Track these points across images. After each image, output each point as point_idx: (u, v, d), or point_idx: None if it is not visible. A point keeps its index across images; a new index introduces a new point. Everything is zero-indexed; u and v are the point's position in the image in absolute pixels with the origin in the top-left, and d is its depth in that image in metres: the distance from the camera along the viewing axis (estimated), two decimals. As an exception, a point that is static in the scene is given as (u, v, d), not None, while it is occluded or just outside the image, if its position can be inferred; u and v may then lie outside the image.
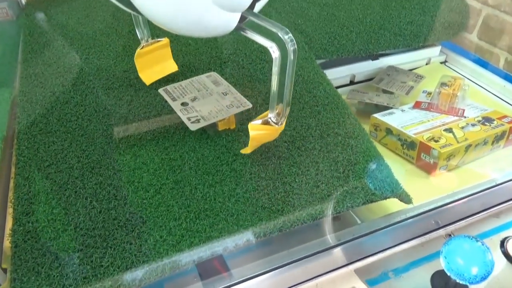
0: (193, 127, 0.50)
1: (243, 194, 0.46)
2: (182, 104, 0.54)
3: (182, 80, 0.61)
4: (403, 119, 0.74)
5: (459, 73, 0.97)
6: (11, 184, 0.48)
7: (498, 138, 0.70)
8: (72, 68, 0.67)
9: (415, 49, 0.95)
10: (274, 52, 0.42)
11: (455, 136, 0.67)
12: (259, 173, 0.49)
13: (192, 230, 0.43)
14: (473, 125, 0.70)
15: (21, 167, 0.50)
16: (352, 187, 0.47)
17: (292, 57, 0.41)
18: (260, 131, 0.46)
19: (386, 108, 0.79)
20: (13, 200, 0.45)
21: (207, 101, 0.55)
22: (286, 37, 0.40)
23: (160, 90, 0.57)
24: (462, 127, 0.70)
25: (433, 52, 0.99)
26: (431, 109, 0.76)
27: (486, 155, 0.70)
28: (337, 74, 0.89)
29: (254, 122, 0.47)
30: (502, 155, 0.70)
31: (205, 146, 0.53)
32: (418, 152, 0.67)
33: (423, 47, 0.96)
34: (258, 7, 0.43)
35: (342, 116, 0.58)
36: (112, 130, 0.55)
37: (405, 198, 0.50)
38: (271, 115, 0.46)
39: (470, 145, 0.66)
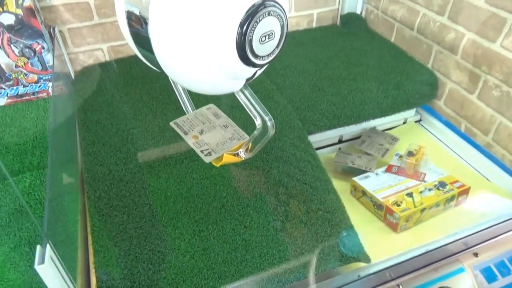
0: (207, 159, 0.58)
1: (251, 259, 0.67)
2: (193, 137, 0.61)
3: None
4: (376, 182, 0.94)
5: (431, 132, 1.17)
6: (90, 250, 0.70)
7: (449, 201, 0.89)
8: (121, 148, 0.89)
9: (393, 112, 1.15)
10: (258, 122, 0.55)
11: (413, 201, 0.87)
12: (261, 242, 0.70)
13: None
14: (429, 189, 0.90)
15: (96, 236, 0.71)
16: (327, 254, 0.68)
17: (270, 134, 0.56)
18: (230, 159, 0.60)
19: (364, 171, 0.99)
20: (94, 264, 0.67)
21: (213, 134, 0.61)
22: (269, 124, 0.54)
23: (172, 123, 0.63)
24: (421, 192, 0.90)
25: (410, 113, 1.19)
26: (399, 173, 0.96)
27: (440, 213, 0.90)
28: (328, 136, 1.10)
29: (228, 153, 0.59)
30: (453, 214, 0.90)
31: (225, 219, 0.74)
32: (385, 213, 0.87)
33: (401, 110, 1.16)
34: (258, 72, 0.55)
35: (324, 193, 0.79)
36: (156, 205, 0.77)
37: (365, 259, 0.70)
38: (241, 151, 0.60)
39: (424, 208, 0.86)
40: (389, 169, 0.98)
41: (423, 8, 1.14)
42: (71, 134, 0.97)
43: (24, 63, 1.01)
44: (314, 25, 1.41)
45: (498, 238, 0.80)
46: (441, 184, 0.92)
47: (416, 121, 1.21)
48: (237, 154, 0.60)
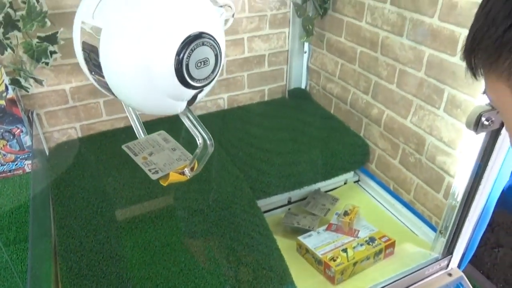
0: (154, 177, 0.64)
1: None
2: (143, 158, 0.67)
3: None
4: (317, 240, 1.09)
5: (367, 191, 1.35)
6: (63, 317, 0.79)
7: (377, 254, 1.05)
8: (91, 220, 1.00)
9: (334, 174, 1.33)
10: (199, 141, 0.62)
11: (347, 256, 1.02)
12: (215, 301, 0.82)
13: None
14: (361, 245, 1.06)
15: (67, 304, 0.81)
16: (269, 309, 0.80)
17: (210, 151, 0.63)
18: (176, 177, 0.67)
19: (308, 230, 1.14)
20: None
21: (161, 156, 0.67)
22: (208, 142, 0.61)
23: (123, 147, 0.69)
24: (354, 247, 1.05)
25: (349, 175, 1.38)
26: (337, 231, 1.12)
27: (371, 265, 1.05)
28: (278, 198, 1.25)
29: (174, 172, 0.65)
30: (382, 266, 1.05)
31: (183, 282, 0.85)
32: (324, 268, 1.01)
33: (340, 173, 1.34)
34: (199, 96, 0.61)
35: (269, 254, 0.92)
36: (122, 272, 0.87)
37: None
38: (187, 170, 0.66)
39: (356, 262, 1.01)
40: (329, 228, 1.14)
41: (352, 87, 1.36)
42: (46, 208, 1.08)
43: (3, 145, 1.13)
44: (266, 98, 1.61)
45: (416, 285, 0.95)
46: (371, 239, 1.08)
47: (355, 181, 1.40)
48: (183, 173, 0.67)
